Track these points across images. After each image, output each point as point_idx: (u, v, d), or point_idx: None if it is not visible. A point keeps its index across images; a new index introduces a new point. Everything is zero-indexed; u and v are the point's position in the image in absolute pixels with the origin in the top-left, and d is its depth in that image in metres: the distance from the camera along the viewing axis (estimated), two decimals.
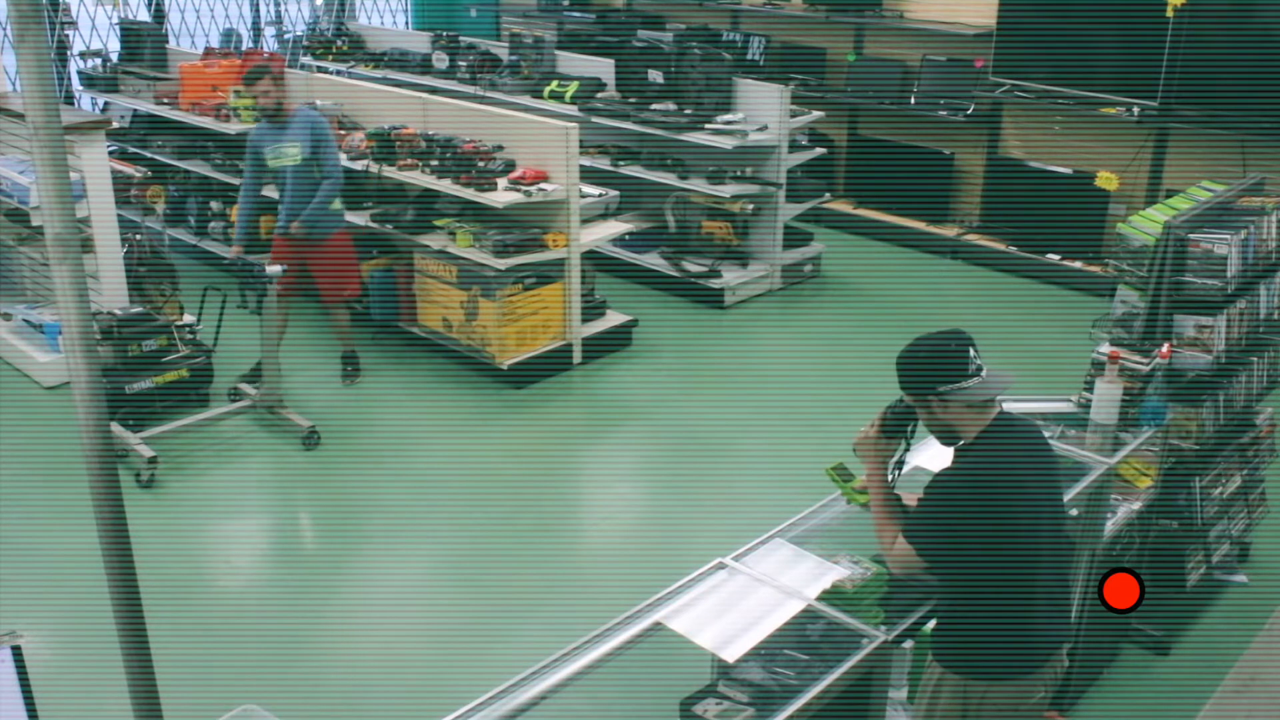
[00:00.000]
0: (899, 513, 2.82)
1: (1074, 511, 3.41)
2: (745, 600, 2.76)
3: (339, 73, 9.40)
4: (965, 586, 2.76)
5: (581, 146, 6.39)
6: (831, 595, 2.78)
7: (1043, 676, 2.82)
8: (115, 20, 9.09)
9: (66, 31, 8.92)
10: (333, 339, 6.32)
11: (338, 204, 5.91)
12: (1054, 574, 2.85)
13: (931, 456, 3.03)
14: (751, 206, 7.28)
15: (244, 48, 9.10)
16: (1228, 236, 3.71)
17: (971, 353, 2.70)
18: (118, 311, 5.75)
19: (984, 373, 2.70)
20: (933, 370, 2.71)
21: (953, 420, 2.74)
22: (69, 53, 8.94)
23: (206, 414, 5.70)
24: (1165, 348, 3.72)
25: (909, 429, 2.86)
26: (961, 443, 2.78)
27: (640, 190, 7.71)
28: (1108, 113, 7.39)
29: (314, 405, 5.79)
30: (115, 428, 5.16)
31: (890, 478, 2.88)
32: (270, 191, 6.25)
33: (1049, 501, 2.81)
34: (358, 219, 6.69)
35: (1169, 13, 6.87)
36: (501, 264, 5.95)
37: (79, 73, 8.73)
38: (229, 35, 9.50)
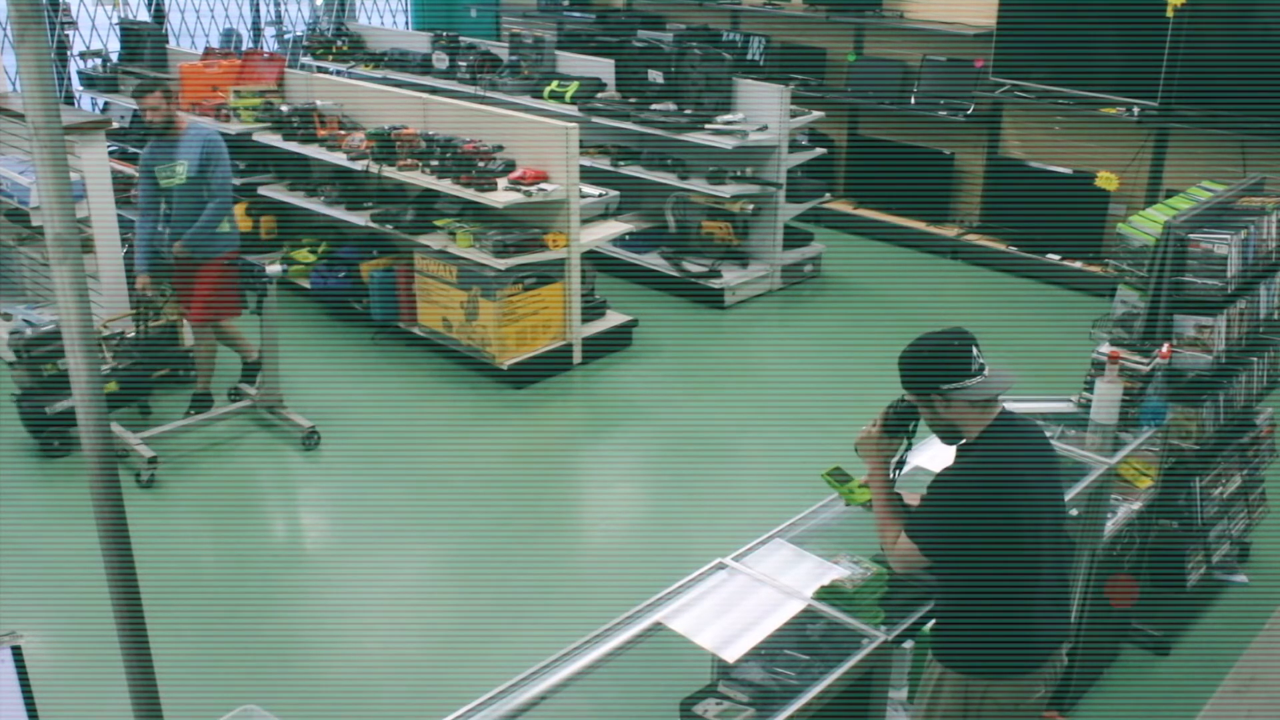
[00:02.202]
0: (901, 511, 2.83)
1: (1074, 511, 3.41)
2: (745, 600, 2.76)
3: (339, 73, 9.40)
4: (967, 584, 2.77)
5: (581, 146, 6.38)
6: (831, 595, 2.78)
7: (1043, 674, 2.83)
8: (115, 20, 9.10)
9: (66, 31, 8.92)
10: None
11: (227, 225, 5.55)
12: (1055, 572, 2.85)
13: (932, 456, 3.03)
14: (751, 206, 7.29)
15: (244, 48, 9.10)
16: (1228, 236, 3.71)
17: (974, 351, 2.71)
18: (28, 331, 5.57)
19: (986, 371, 2.71)
20: (935, 369, 2.72)
21: (955, 419, 2.75)
22: (69, 53, 8.95)
23: (206, 414, 5.70)
24: (1165, 348, 3.72)
25: (910, 428, 2.87)
26: (964, 441, 2.79)
27: (640, 190, 7.71)
28: (1108, 113, 7.39)
29: (314, 405, 5.79)
30: (115, 428, 5.17)
31: (891, 476, 2.89)
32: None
33: (1050, 500, 2.82)
34: (358, 219, 6.71)
35: (1169, 13, 6.87)
36: (501, 264, 5.95)
37: (79, 73, 8.73)
38: (229, 35, 9.50)
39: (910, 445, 2.91)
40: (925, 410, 2.78)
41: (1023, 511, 2.69)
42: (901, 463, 2.92)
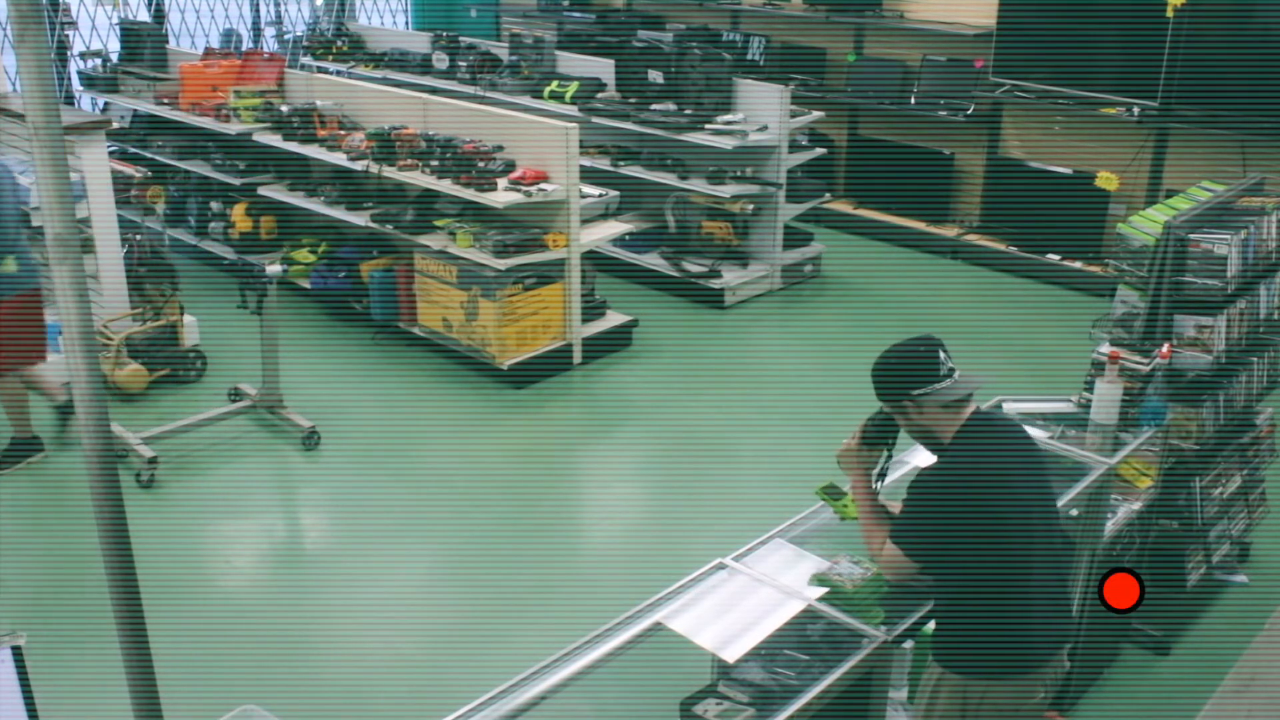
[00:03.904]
0: (885, 519, 2.85)
1: (1074, 511, 3.42)
2: (745, 600, 2.76)
3: (339, 73, 9.40)
4: (958, 585, 2.78)
5: (581, 147, 6.38)
6: (831, 595, 2.79)
7: (1043, 676, 2.82)
8: (115, 20, 9.10)
9: (66, 31, 8.92)
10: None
11: (13, 265, 4.93)
12: (1050, 570, 2.85)
13: (927, 456, 3.04)
14: (751, 207, 7.29)
15: (244, 48, 9.10)
16: (1228, 236, 3.71)
17: (942, 355, 2.76)
18: None
19: (956, 374, 2.76)
20: (905, 376, 2.77)
21: (929, 423, 2.79)
22: (69, 53, 8.95)
23: (207, 414, 5.70)
24: (1165, 348, 3.72)
25: (890, 439, 2.91)
26: (940, 444, 2.82)
27: (640, 190, 7.71)
28: (1108, 113, 7.39)
29: (314, 405, 5.79)
30: (115, 428, 5.16)
31: (875, 487, 2.92)
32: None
33: (1036, 496, 2.82)
34: (358, 219, 6.70)
35: (1169, 13, 6.87)
36: (501, 264, 5.94)
37: (79, 73, 8.73)
38: (229, 35, 9.50)
39: (891, 456, 2.95)
40: (901, 419, 2.83)
41: (1005, 508, 2.70)
42: (884, 473, 2.95)
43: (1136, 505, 3.78)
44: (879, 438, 2.90)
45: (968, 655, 2.81)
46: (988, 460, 2.74)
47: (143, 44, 8.33)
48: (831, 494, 3.07)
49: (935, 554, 2.74)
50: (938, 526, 2.71)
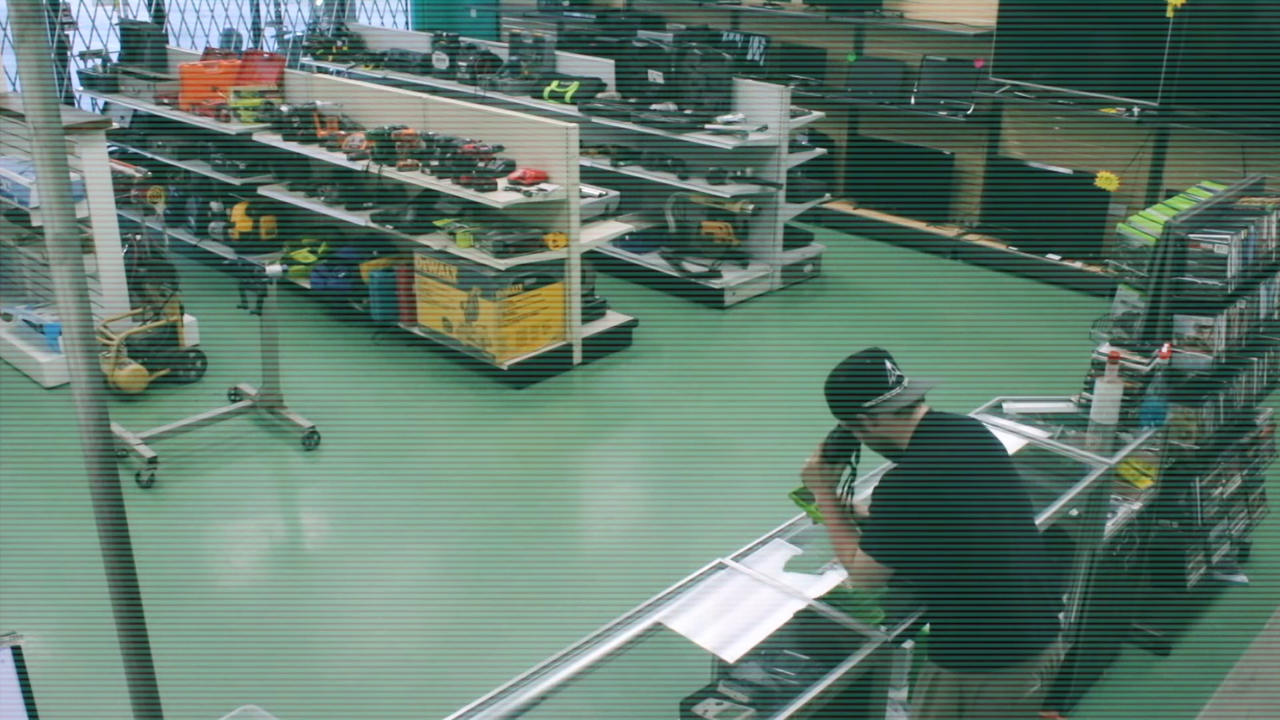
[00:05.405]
0: (854, 531, 2.87)
1: (1074, 511, 3.42)
2: (745, 600, 2.77)
3: (339, 73, 9.40)
4: (937, 583, 2.80)
5: (581, 147, 6.38)
6: (831, 595, 2.79)
7: (1037, 665, 2.83)
8: (115, 20, 9.10)
9: (66, 32, 8.92)
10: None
11: None
12: (1030, 559, 2.85)
13: None
14: (751, 207, 7.29)
15: (244, 48, 9.10)
16: (1228, 236, 3.71)
17: (888, 365, 2.80)
18: None
19: (905, 382, 2.79)
20: (854, 391, 2.81)
21: (885, 433, 2.82)
22: (69, 53, 8.95)
23: (207, 414, 5.70)
24: (1165, 348, 3.72)
25: (851, 454, 2.94)
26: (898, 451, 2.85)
27: (640, 190, 7.71)
28: (1108, 113, 7.39)
29: (314, 405, 5.79)
30: (116, 428, 5.16)
31: (843, 501, 2.94)
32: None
33: (1001, 488, 2.84)
34: (358, 219, 6.71)
35: (1169, 13, 6.87)
36: (501, 264, 5.94)
37: (79, 73, 8.73)
38: (229, 35, 9.50)
39: (855, 472, 2.97)
40: (859, 433, 2.86)
41: (969, 502, 2.72)
42: (851, 486, 2.97)
43: (1136, 505, 3.78)
44: (839, 453, 2.94)
45: (960, 650, 2.82)
46: (945, 457, 2.77)
47: (143, 44, 8.33)
48: (804, 497, 3.10)
49: (906, 556, 2.76)
50: (904, 528, 2.73)
